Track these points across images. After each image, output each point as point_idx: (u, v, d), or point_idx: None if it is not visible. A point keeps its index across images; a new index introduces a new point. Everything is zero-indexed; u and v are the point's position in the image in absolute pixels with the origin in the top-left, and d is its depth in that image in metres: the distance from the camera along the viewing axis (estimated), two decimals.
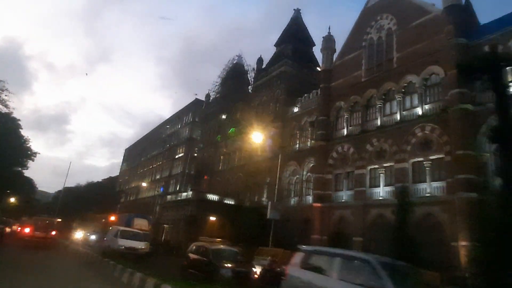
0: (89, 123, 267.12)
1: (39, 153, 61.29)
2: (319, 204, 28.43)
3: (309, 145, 33.42)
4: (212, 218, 35.03)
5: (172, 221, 40.16)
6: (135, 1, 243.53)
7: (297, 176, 33.79)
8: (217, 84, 54.36)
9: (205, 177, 44.67)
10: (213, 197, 37.43)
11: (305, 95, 35.89)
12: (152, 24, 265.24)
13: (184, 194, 39.82)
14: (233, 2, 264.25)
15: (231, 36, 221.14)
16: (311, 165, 32.13)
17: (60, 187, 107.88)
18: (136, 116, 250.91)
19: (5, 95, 42.02)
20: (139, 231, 23.21)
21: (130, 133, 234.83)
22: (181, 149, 64.81)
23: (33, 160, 59.85)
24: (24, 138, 54.70)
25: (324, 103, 32.10)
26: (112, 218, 45.77)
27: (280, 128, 37.34)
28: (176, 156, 65.49)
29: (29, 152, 57.76)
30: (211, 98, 57.49)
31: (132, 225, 28.17)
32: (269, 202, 28.07)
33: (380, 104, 27.28)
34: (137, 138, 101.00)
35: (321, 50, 34.63)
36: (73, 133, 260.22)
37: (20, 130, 53.18)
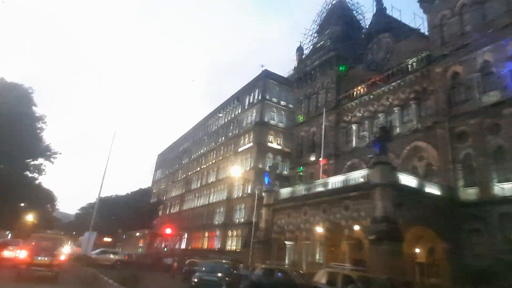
0: (115, 143, 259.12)
1: (60, 153, 45.50)
2: None
3: None
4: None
5: (306, 233, 22.19)
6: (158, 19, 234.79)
7: None
8: (313, 32, 38.01)
9: (322, 161, 27.83)
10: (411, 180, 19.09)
11: None
12: (177, 43, 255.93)
13: (356, 174, 19.57)
14: (255, 15, 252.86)
15: (255, 48, 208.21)
16: None
17: (80, 205, 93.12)
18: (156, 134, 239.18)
19: None
20: None
21: (155, 150, 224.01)
22: (246, 138, 48.24)
23: (52, 162, 44.25)
24: (39, 126, 39.00)
25: None
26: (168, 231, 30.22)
27: None
28: (240, 149, 48.90)
29: (46, 150, 42.21)
30: (305, 52, 40.50)
31: None
32: None
33: None
34: (167, 144, 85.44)
35: None
36: (98, 152, 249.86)
37: (34, 109, 37.73)
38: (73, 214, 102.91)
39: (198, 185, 59.27)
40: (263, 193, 26.53)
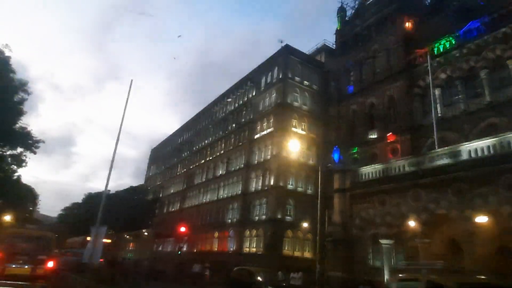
0: (95, 144, 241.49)
1: (43, 142, 37.47)
2: None
3: None
4: None
5: (422, 227, 15.17)
6: (146, 17, 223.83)
7: None
8: None
9: (390, 137, 21.65)
10: None
11: None
12: (163, 40, 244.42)
13: None
14: (246, 16, 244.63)
15: (245, 48, 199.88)
16: None
17: (62, 207, 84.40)
18: (143, 134, 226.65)
19: None
20: None
21: (134, 153, 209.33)
22: (265, 123, 41.73)
23: (34, 153, 36.55)
24: (19, 98, 31.33)
25: None
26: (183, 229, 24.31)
27: None
28: (257, 136, 42.33)
29: (26, 137, 34.58)
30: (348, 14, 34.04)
31: None
32: None
33: None
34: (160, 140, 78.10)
35: None
36: (79, 155, 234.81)
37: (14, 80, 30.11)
38: (55, 216, 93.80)
39: (203, 179, 52.31)
40: (335, 175, 19.94)
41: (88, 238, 25.00)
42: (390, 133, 21.76)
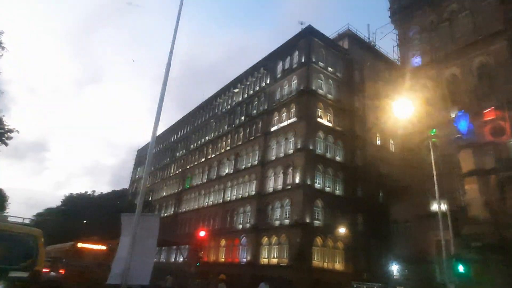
0: (71, 150, 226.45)
1: (17, 131, 30.32)
2: None
3: None
4: None
5: None
6: (131, 19, 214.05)
7: None
8: None
9: (489, 113, 16.62)
10: None
11: None
12: (148, 44, 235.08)
13: None
14: (235, 22, 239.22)
15: (233, 54, 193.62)
16: None
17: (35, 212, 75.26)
18: (123, 142, 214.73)
19: None
20: None
21: (113, 161, 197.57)
22: (284, 113, 36.24)
23: (6, 144, 29.53)
24: None
25: None
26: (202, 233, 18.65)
27: None
28: (274, 128, 36.73)
29: None
30: None
31: None
32: None
33: None
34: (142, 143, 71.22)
35: None
36: (52, 160, 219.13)
37: None
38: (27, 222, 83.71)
39: (204, 180, 46.01)
40: (463, 151, 14.53)
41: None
42: (491, 108, 16.91)
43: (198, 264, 24.62)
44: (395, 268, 34.17)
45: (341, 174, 33.91)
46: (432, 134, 20.93)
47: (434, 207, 19.10)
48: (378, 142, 38.70)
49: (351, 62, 39.19)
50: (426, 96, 22.70)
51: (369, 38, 42.72)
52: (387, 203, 35.34)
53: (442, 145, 18.71)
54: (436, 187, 13.01)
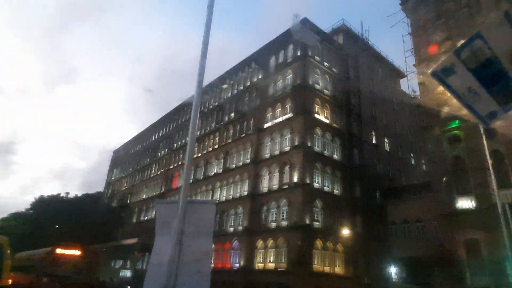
0: (39, 154, 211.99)
1: None
2: None
3: None
4: None
5: None
6: (105, 18, 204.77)
7: None
8: None
9: None
10: None
11: None
12: (125, 42, 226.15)
13: None
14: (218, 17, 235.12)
15: (211, 56, 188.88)
16: None
17: None
18: (94, 145, 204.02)
19: None
20: None
21: (83, 165, 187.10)
22: (278, 108, 34.37)
23: None
24: None
25: None
26: None
27: None
28: (268, 124, 34.73)
29: None
30: None
31: None
32: None
33: None
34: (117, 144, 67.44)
35: None
36: (19, 164, 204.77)
37: None
38: None
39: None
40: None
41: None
42: None
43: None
44: (393, 271, 32.94)
45: (338, 173, 32.33)
46: (452, 126, 19.68)
47: (460, 204, 17.71)
48: (373, 141, 37.53)
49: (346, 58, 37.99)
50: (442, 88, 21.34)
51: (362, 35, 41.74)
52: (384, 204, 34.21)
53: (467, 137, 17.39)
54: (492, 177, 11.41)
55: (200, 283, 4.02)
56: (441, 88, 18.16)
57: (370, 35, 74.56)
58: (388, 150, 39.01)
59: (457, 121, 19.05)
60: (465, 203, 17.37)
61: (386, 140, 39.21)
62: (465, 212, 17.25)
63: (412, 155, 42.63)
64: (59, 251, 16.11)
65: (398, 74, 45.13)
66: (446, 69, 2.65)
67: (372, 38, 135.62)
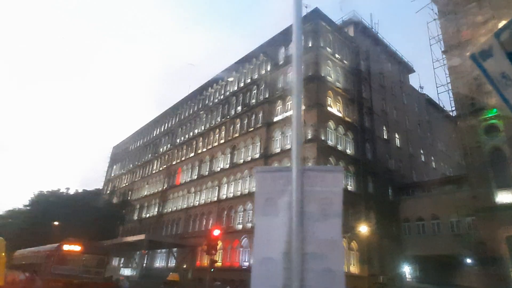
0: (35, 152, 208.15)
1: None
2: None
3: None
4: None
5: None
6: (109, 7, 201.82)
7: None
8: None
9: None
10: None
11: None
12: (125, 41, 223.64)
13: None
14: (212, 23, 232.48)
15: (212, 54, 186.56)
16: None
17: None
18: (93, 141, 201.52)
19: None
20: None
21: (82, 162, 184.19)
22: (289, 102, 33.13)
23: None
24: None
25: None
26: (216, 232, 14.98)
27: None
28: (278, 117, 33.58)
29: None
30: None
31: None
32: None
33: None
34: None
35: None
36: (14, 162, 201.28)
37: None
38: None
39: (194, 176, 41.88)
40: None
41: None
42: None
43: (212, 270, 20.80)
44: (407, 270, 31.96)
45: (352, 168, 31.20)
46: (490, 115, 18.56)
47: (500, 198, 16.65)
48: (385, 136, 36.45)
49: (357, 51, 36.85)
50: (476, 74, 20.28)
51: (372, 28, 40.62)
52: (397, 200, 33.23)
53: (507, 126, 16.29)
54: None
55: (333, 283, 2.74)
56: (475, 74, 17.09)
57: (379, 29, 73.66)
58: (399, 146, 37.96)
59: (494, 110, 17.85)
60: (506, 197, 16.35)
61: (396, 135, 38.15)
62: (506, 206, 16.23)
63: (422, 151, 41.66)
64: (66, 247, 14.78)
65: (407, 69, 44.15)
66: (484, 52, 2.26)
67: (381, 31, 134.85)
